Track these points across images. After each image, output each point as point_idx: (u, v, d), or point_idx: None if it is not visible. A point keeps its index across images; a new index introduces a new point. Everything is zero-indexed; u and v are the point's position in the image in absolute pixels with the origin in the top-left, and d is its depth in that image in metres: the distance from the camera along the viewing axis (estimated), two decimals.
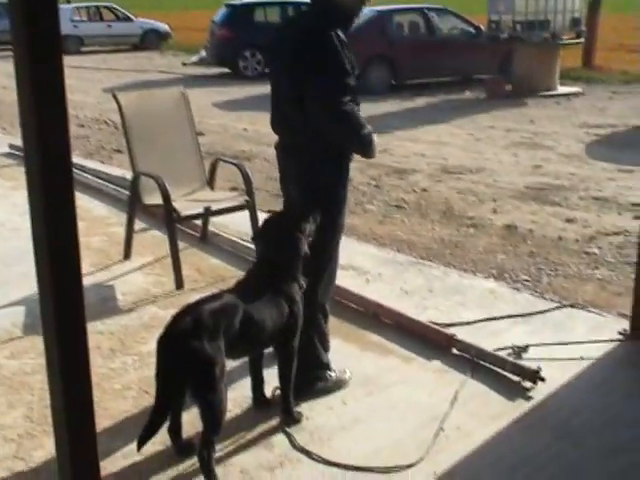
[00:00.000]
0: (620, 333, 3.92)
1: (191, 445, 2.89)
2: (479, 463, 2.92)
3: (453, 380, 3.50)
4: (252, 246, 4.77)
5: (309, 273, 3.17)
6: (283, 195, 3.49)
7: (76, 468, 2.08)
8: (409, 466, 2.87)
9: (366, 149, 3.23)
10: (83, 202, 6.26)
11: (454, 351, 3.75)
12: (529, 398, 3.35)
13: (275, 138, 3.39)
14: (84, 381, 2.01)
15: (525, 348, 3.72)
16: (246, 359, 3.27)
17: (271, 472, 2.86)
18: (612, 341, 3.86)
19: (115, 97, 4.99)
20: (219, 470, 2.76)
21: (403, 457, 2.91)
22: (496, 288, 4.67)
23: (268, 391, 3.29)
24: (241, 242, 5.25)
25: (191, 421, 2.97)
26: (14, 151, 8.43)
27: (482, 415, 3.22)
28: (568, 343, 3.82)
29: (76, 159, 7.60)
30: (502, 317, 4.16)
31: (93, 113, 12.39)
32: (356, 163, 3.45)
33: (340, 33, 3.08)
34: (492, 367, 3.57)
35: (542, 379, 3.41)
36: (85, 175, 7.26)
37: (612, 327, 4.00)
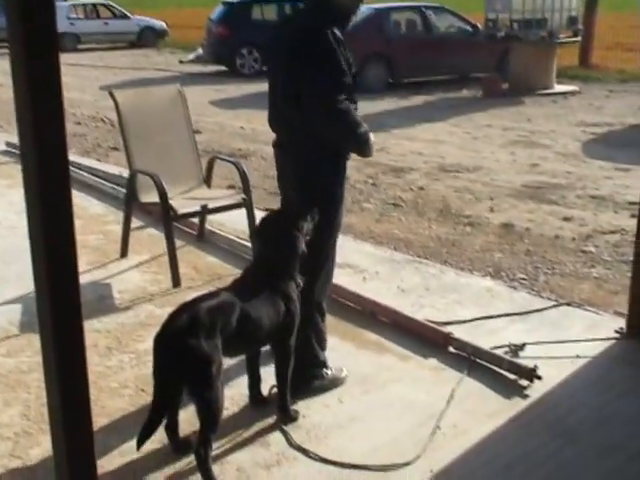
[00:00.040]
0: (616, 331, 3.92)
1: (188, 443, 2.89)
2: (476, 461, 2.92)
3: (450, 378, 3.50)
4: (249, 244, 4.79)
5: (306, 271, 3.17)
6: (281, 193, 3.49)
7: (73, 466, 2.08)
8: (406, 464, 2.87)
9: (362, 148, 3.22)
10: (80, 200, 6.25)
11: (451, 349, 3.75)
12: (526, 396, 3.35)
13: (272, 136, 3.39)
14: (81, 379, 2.01)
15: (522, 346, 3.72)
16: (243, 357, 3.26)
17: (268, 470, 2.86)
18: (608, 339, 3.87)
19: (112, 95, 4.98)
20: (216, 468, 2.76)
21: (400, 455, 2.92)
22: (493, 286, 4.67)
23: (265, 389, 3.30)
24: (238, 240, 5.25)
25: (188, 419, 2.97)
26: (11, 149, 8.41)
27: (479, 413, 3.22)
28: (565, 341, 3.82)
29: (73, 157, 7.59)
30: (499, 315, 4.16)
31: (90, 111, 12.37)
32: (353, 161, 3.45)
33: (336, 31, 3.07)
34: (489, 365, 3.58)
35: (539, 377, 3.41)
36: (82, 173, 7.25)
37: (608, 325, 4.01)
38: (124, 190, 5.34)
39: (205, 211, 5.22)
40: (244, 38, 16.65)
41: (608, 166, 8.17)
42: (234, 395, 3.29)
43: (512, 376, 3.48)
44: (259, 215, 3.95)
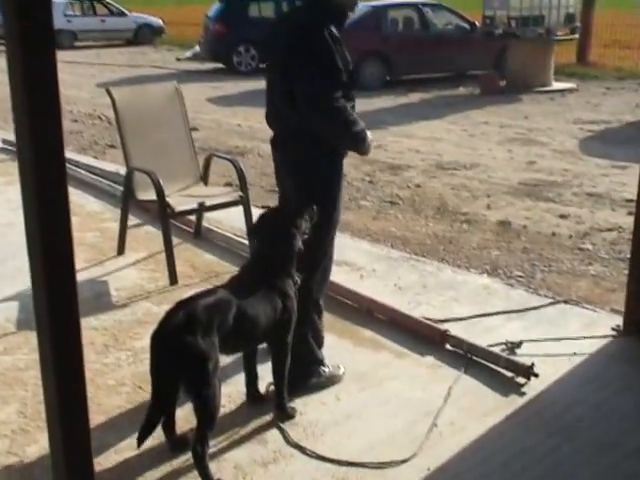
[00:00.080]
0: (613, 329, 3.93)
1: (185, 441, 2.89)
2: (473, 458, 2.92)
3: (447, 376, 3.51)
4: (246, 242, 4.79)
5: (304, 269, 3.16)
6: (279, 190, 3.49)
7: (70, 463, 2.08)
8: (403, 461, 2.87)
9: (359, 146, 3.22)
10: (76, 197, 6.25)
11: (448, 347, 3.75)
12: (523, 394, 3.36)
13: (269, 133, 3.39)
14: (78, 377, 2.01)
15: (519, 344, 3.72)
16: (240, 355, 3.26)
17: (265, 467, 2.86)
18: (605, 337, 3.87)
19: (109, 92, 4.97)
20: (213, 466, 2.76)
21: (397, 452, 2.92)
22: (490, 284, 4.67)
23: (262, 387, 3.30)
24: (235, 238, 5.25)
25: (185, 417, 2.97)
26: (7, 146, 8.39)
27: (475, 411, 3.23)
28: (562, 339, 3.83)
29: (69, 154, 7.57)
30: (496, 313, 4.16)
31: (86, 108, 12.35)
32: (350, 159, 3.45)
33: (333, 29, 3.07)
34: (486, 363, 3.58)
35: (536, 375, 3.41)
36: (78, 170, 7.24)
37: (605, 323, 4.01)
38: (121, 187, 5.34)
39: (202, 209, 5.21)
40: (241, 35, 16.63)
41: (605, 164, 8.18)
42: (231, 393, 3.29)
43: (509, 374, 3.48)
44: (256, 213, 3.95)
